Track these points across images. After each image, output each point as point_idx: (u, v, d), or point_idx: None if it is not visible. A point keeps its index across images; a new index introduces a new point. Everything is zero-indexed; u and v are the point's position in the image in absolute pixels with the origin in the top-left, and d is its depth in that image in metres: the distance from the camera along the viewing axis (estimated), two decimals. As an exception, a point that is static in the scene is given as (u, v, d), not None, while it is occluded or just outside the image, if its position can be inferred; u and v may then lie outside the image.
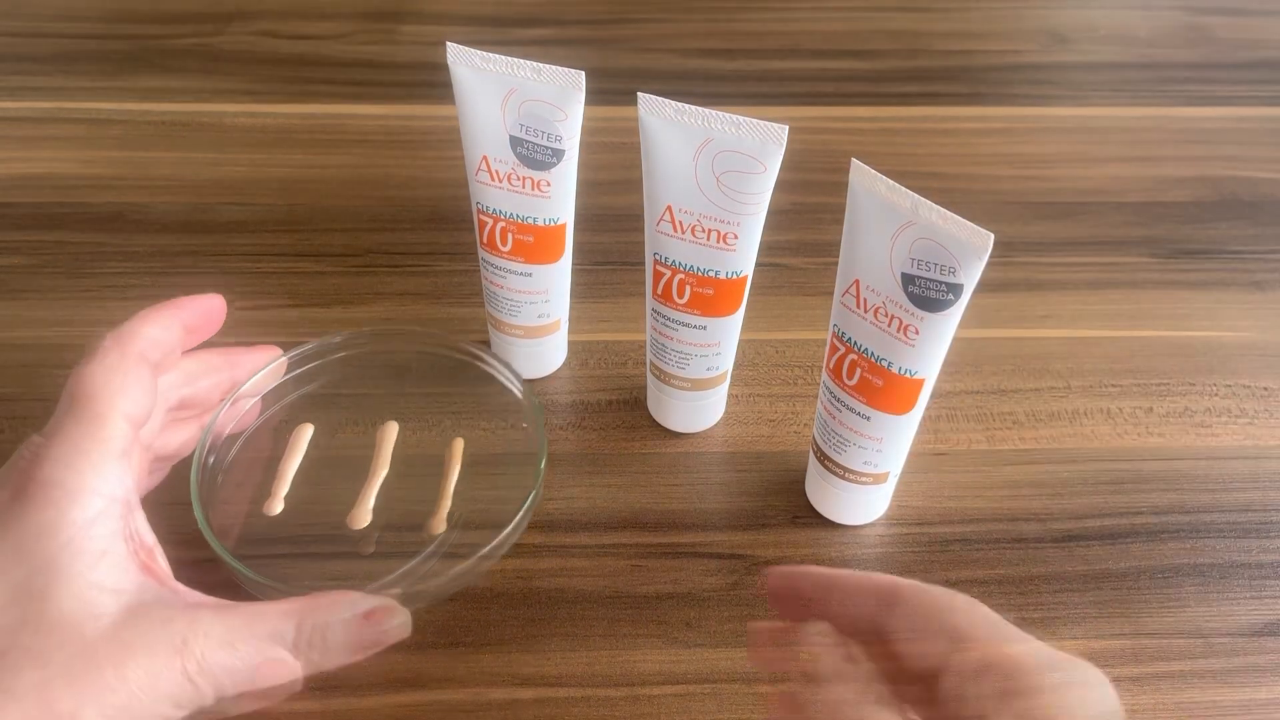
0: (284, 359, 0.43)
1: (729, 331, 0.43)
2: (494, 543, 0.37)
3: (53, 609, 0.29)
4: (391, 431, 0.44)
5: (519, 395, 0.43)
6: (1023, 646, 0.27)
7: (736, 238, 0.40)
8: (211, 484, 0.41)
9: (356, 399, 0.45)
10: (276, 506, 0.41)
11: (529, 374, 0.49)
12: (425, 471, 0.42)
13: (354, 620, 0.32)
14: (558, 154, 0.42)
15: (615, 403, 0.48)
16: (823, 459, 0.42)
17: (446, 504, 0.41)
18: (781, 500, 0.44)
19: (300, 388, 0.44)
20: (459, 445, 0.43)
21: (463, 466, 0.42)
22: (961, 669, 0.27)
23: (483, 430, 0.44)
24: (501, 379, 0.44)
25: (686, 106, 0.38)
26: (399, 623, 0.33)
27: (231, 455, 0.42)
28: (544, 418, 0.42)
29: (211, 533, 0.37)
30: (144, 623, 0.29)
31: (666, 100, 0.38)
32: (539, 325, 0.47)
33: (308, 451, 0.43)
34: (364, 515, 0.41)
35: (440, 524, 0.40)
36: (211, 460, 0.41)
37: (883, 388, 0.38)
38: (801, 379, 0.50)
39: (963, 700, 0.26)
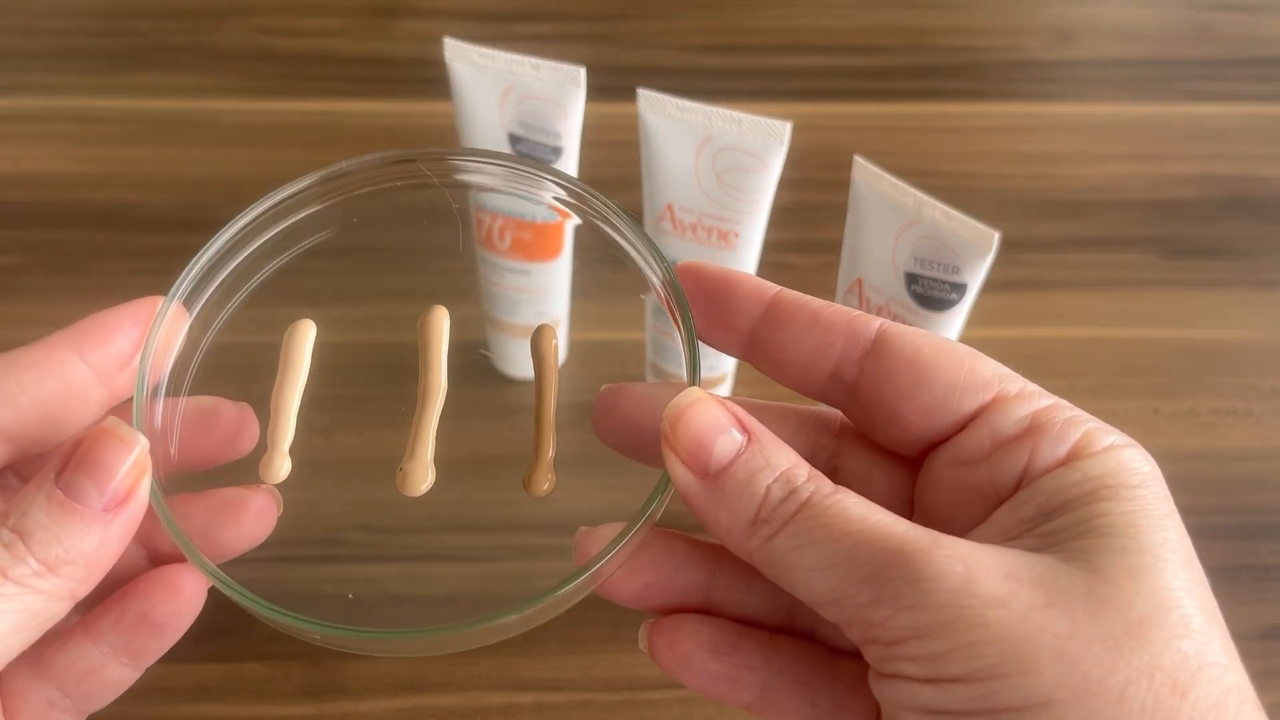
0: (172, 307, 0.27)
1: (730, 331, 0.43)
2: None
3: None
4: (439, 321, 0.29)
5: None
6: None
7: (738, 236, 0.40)
8: (164, 444, 0.26)
9: (351, 399, 0.44)
10: (280, 466, 0.27)
11: (528, 373, 0.49)
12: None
13: None
14: (556, 151, 0.41)
15: (615, 403, 0.48)
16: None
17: (550, 438, 0.28)
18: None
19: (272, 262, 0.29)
20: (550, 341, 0.30)
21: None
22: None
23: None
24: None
25: (687, 103, 0.38)
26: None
27: (183, 401, 0.27)
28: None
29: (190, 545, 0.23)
30: None
31: (667, 97, 0.38)
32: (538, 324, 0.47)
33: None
34: (422, 471, 0.27)
35: (547, 476, 0.28)
36: (159, 414, 0.26)
37: (886, 388, 0.38)
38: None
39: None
